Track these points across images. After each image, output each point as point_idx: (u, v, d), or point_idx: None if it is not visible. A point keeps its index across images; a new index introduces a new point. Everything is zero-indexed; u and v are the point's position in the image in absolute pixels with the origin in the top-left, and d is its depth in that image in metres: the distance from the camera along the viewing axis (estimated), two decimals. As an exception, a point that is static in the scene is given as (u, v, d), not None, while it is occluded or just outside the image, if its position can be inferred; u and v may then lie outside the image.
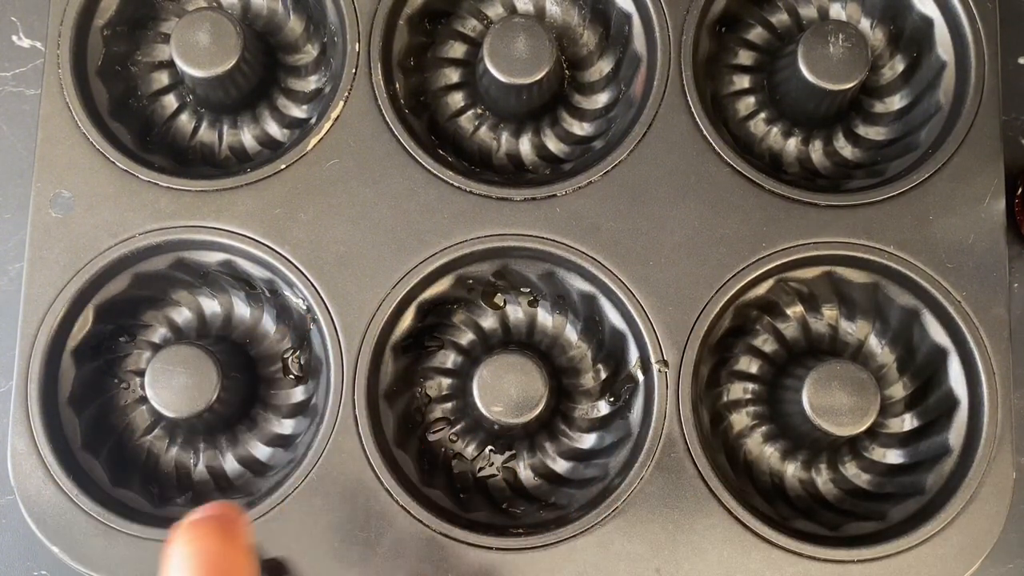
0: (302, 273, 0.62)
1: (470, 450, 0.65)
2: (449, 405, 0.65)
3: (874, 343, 0.65)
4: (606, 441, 0.64)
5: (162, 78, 0.68)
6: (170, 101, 0.68)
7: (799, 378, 0.60)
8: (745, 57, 0.69)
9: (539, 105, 0.66)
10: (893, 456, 0.64)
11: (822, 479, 0.64)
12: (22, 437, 0.60)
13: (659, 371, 0.61)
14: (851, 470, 0.64)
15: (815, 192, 0.63)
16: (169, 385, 0.59)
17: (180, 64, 0.62)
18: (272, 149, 0.67)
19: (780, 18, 0.68)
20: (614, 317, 0.63)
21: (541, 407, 0.60)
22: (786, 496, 0.64)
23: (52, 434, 0.61)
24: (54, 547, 0.59)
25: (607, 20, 0.68)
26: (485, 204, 0.63)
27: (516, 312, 0.66)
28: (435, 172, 0.63)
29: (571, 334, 0.66)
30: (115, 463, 0.63)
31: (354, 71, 0.64)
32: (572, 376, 0.65)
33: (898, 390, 0.65)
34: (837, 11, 0.68)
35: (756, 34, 0.69)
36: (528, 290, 0.66)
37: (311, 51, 0.68)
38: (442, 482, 0.63)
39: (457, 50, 0.69)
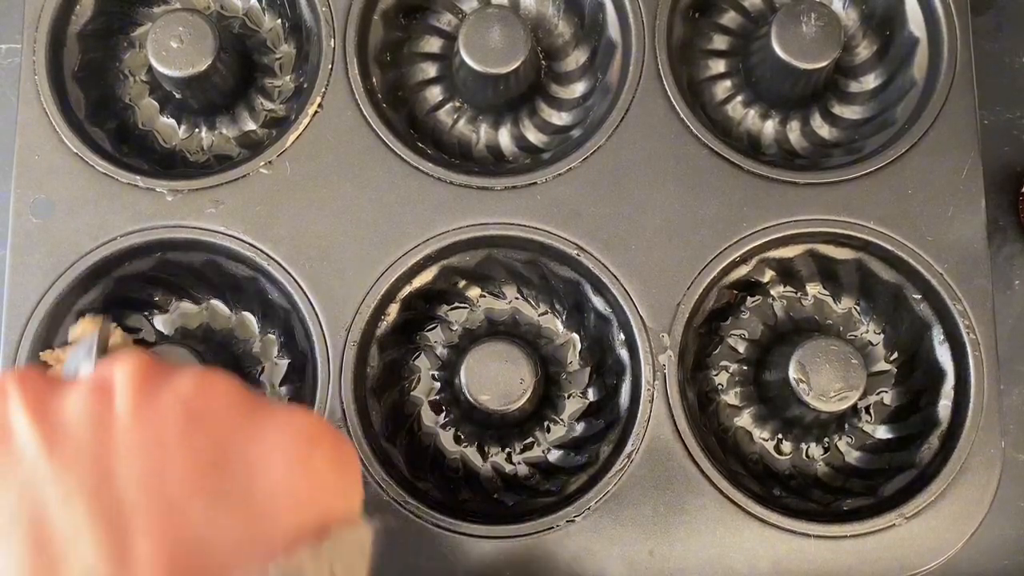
0: (285, 269, 0.62)
1: (461, 441, 0.65)
2: (438, 397, 0.65)
3: (859, 319, 0.65)
4: (595, 427, 0.64)
5: (140, 80, 0.68)
6: (148, 103, 0.68)
7: (785, 356, 0.60)
8: (720, 42, 0.69)
9: (517, 96, 0.67)
10: (882, 431, 0.64)
11: (812, 458, 0.64)
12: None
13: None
14: (841, 447, 0.64)
15: (794, 171, 0.63)
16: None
17: (156, 65, 0.62)
18: (251, 147, 0.67)
19: (753, 1, 0.69)
20: (598, 302, 0.63)
21: (529, 394, 0.60)
22: (777, 476, 0.64)
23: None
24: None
25: (581, 9, 0.68)
26: (466, 194, 0.63)
27: (501, 302, 0.66)
28: (415, 164, 0.63)
29: (556, 322, 0.66)
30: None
31: (330, 67, 0.64)
32: (559, 364, 0.65)
33: (885, 365, 0.65)
34: (809, -9, 0.68)
35: (730, 18, 0.69)
36: (512, 279, 0.66)
37: (287, 49, 0.68)
38: (433, 474, 0.63)
39: (433, 44, 0.69)
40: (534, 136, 0.68)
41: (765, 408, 0.64)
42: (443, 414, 0.65)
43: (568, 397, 0.65)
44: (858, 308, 0.66)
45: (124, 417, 0.38)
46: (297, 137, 0.63)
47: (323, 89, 0.64)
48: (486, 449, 0.65)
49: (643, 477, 0.60)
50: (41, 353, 0.61)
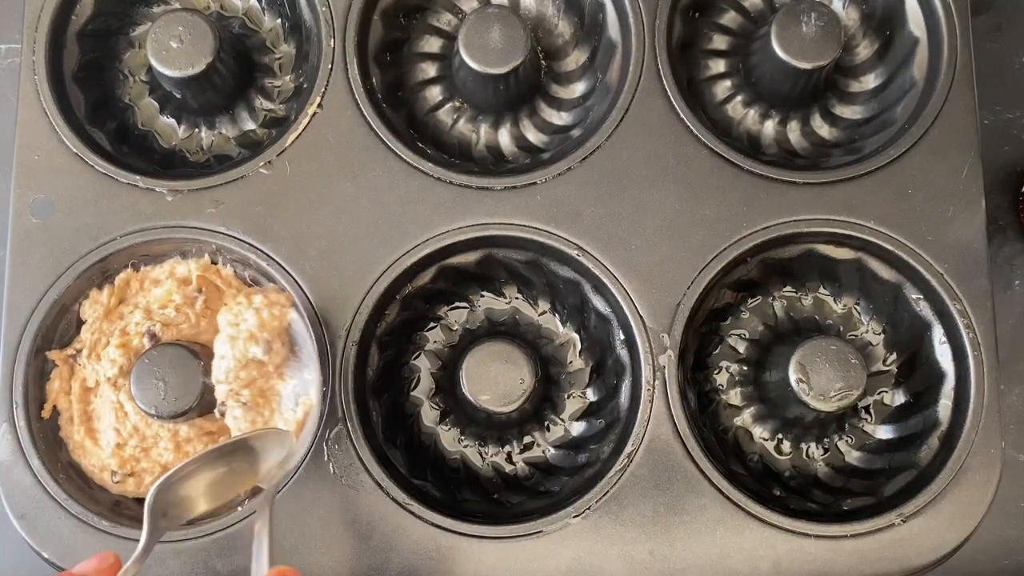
0: (285, 270, 0.62)
1: (461, 441, 0.65)
2: (438, 397, 0.65)
3: (859, 319, 0.65)
4: (595, 427, 0.64)
5: (140, 80, 0.68)
6: (148, 103, 0.68)
7: (785, 356, 0.60)
8: (720, 41, 0.69)
9: (516, 96, 0.67)
10: (883, 431, 0.64)
11: (813, 458, 0.64)
12: (9, 445, 0.60)
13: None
14: (841, 447, 0.64)
15: (794, 171, 0.63)
16: (155, 385, 0.59)
17: (156, 65, 0.62)
18: (251, 147, 0.67)
19: (753, 1, 0.69)
20: (598, 302, 0.63)
21: (528, 394, 0.60)
22: (777, 476, 0.64)
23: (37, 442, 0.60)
24: (44, 552, 0.59)
25: (581, 9, 0.68)
26: (466, 194, 0.63)
27: (501, 302, 0.66)
28: (414, 164, 0.63)
29: (556, 322, 0.66)
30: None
31: (330, 66, 0.64)
32: (559, 364, 0.65)
33: (885, 365, 0.65)
34: (809, -9, 0.68)
35: (729, 18, 0.69)
36: (512, 279, 0.66)
37: (287, 49, 0.68)
38: (433, 474, 0.63)
39: (433, 44, 0.69)
40: (534, 136, 0.68)
41: (765, 408, 0.64)
42: (443, 416, 0.65)
43: (568, 397, 0.65)
44: (858, 308, 0.66)
45: None
46: (297, 137, 0.63)
47: (323, 89, 0.64)
48: (486, 449, 0.65)
49: (643, 477, 0.60)
50: (48, 352, 0.61)
